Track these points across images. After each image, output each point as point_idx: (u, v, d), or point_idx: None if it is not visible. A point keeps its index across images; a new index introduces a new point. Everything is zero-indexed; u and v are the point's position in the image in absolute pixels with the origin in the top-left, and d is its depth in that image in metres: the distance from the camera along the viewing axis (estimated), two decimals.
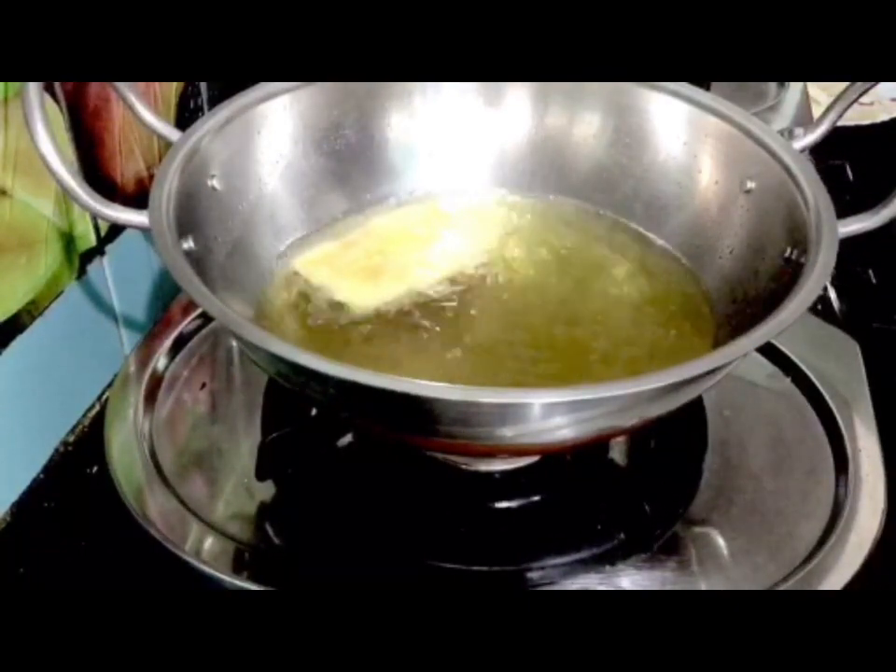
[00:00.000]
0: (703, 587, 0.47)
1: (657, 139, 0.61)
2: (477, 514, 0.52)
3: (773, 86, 0.87)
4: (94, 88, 0.56)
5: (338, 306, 0.55)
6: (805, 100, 0.87)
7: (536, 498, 0.52)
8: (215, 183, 0.53)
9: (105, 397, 0.60)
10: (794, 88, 0.87)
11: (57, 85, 0.52)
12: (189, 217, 0.49)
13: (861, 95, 0.55)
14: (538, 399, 0.40)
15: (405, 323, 0.54)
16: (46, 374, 0.55)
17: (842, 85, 0.56)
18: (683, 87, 0.59)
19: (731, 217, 0.57)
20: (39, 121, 0.44)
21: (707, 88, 0.62)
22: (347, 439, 0.54)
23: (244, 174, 0.56)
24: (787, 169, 0.52)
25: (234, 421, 0.57)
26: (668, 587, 0.47)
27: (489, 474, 0.52)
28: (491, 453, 0.49)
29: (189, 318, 0.61)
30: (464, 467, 0.52)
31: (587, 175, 0.63)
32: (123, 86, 0.54)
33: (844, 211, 0.50)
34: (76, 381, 0.59)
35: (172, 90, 0.67)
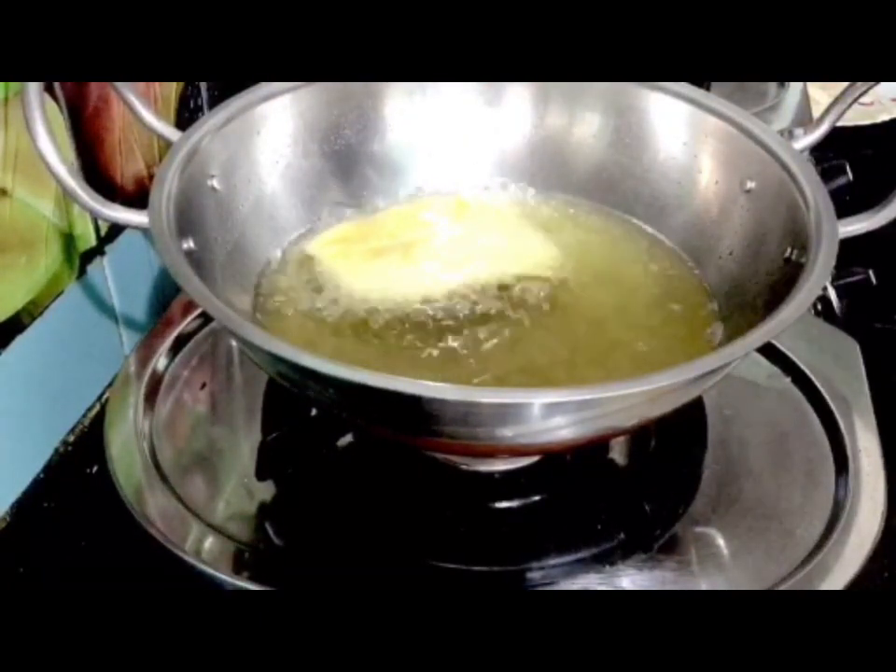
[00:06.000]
0: (703, 587, 0.47)
1: (657, 139, 0.61)
2: (477, 514, 0.52)
3: (773, 86, 0.87)
4: (94, 88, 0.56)
5: (338, 303, 0.55)
6: (805, 100, 0.87)
7: (536, 498, 0.52)
8: (214, 183, 0.53)
9: (105, 397, 0.60)
10: (794, 88, 0.87)
11: (57, 85, 0.52)
12: (189, 217, 0.49)
13: (861, 95, 0.55)
14: (537, 399, 0.39)
15: (411, 319, 0.54)
16: (46, 374, 0.55)
17: (842, 85, 0.56)
18: (683, 87, 0.59)
19: (731, 217, 0.57)
20: (39, 121, 0.44)
21: (707, 88, 0.62)
22: (347, 439, 0.54)
23: (243, 174, 0.56)
24: (787, 169, 0.52)
25: (234, 421, 0.57)
26: (668, 587, 0.47)
27: (489, 474, 0.52)
28: (491, 453, 0.49)
29: (189, 318, 0.61)
30: (464, 467, 0.52)
31: (587, 176, 0.63)
32: (123, 86, 0.54)
33: (844, 211, 0.50)
34: (76, 381, 0.59)
35: (172, 90, 0.67)
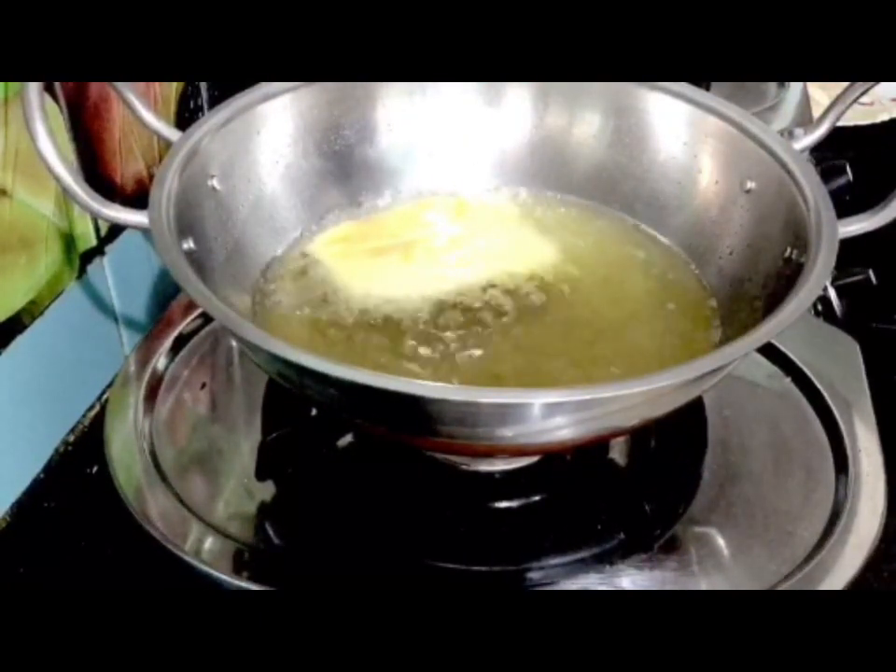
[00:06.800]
0: (703, 587, 0.47)
1: (657, 139, 0.61)
2: (477, 514, 0.52)
3: (773, 86, 0.87)
4: (94, 88, 0.56)
5: (337, 302, 0.55)
6: (805, 100, 0.87)
7: (536, 498, 0.52)
8: (214, 183, 0.53)
9: (105, 397, 0.60)
10: (794, 88, 0.87)
11: (57, 85, 0.52)
12: (189, 217, 0.49)
13: (861, 95, 0.55)
14: (537, 400, 0.39)
15: (411, 318, 0.54)
16: (46, 374, 0.55)
17: (842, 85, 0.56)
18: (683, 87, 0.59)
19: (731, 217, 0.57)
20: (39, 121, 0.44)
21: (707, 88, 0.62)
22: (347, 439, 0.54)
23: (243, 174, 0.56)
24: (787, 169, 0.52)
25: (234, 421, 0.57)
26: (668, 587, 0.47)
27: (489, 474, 0.52)
28: (491, 453, 0.49)
29: (189, 318, 0.61)
30: (464, 467, 0.52)
31: (587, 176, 0.63)
32: (123, 86, 0.54)
33: (844, 211, 0.50)
34: (76, 381, 0.59)
35: (172, 90, 0.67)
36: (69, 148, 0.55)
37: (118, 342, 0.63)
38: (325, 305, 0.55)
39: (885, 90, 0.92)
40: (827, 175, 0.72)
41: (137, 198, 0.62)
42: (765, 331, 0.42)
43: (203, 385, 0.58)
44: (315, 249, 0.59)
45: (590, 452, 0.54)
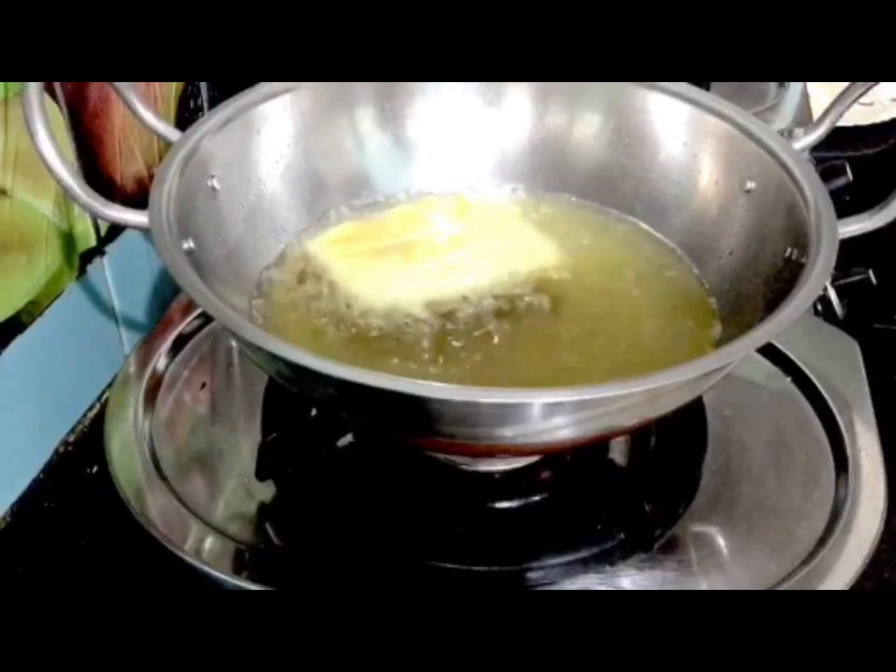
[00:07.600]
0: (703, 587, 0.47)
1: (657, 139, 0.61)
2: (477, 514, 0.52)
3: (773, 86, 0.87)
4: (94, 88, 0.56)
5: (338, 302, 0.55)
6: (805, 100, 0.87)
7: (536, 498, 0.52)
8: (214, 183, 0.53)
9: (105, 397, 0.60)
10: (794, 88, 0.87)
11: (57, 85, 0.52)
12: (189, 217, 0.49)
13: (861, 95, 0.55)
14: (538, 400, 0.39)
15: (412, 318, 0.54)
16: (46, 374, 0.55)
17: (842, 85, 0.56)
18: (683, 87, 0.59)
19: (731, 217, 0.57)
20: (39, 121, 0.44)
21: (707, 88, 0.62)
22: (347, 439, 0.54)
23: (243, 174, 0.56)
24: (787, 169, 0.52)
25: (234, 421, 0.57)
26: (668, 587, 0.47)
27: (489, 474, 0.53)
28: (491, 453, 0.49)
29: (189, 318, 0.61)
30: (464, 467, 0.52)
31: (587, 176, 0.63)
32: (123, 86, 0.54)
33: (844, 211, 0.50)
34: (76, 381, 0.59)
35: (172, 90, 0.67)
36: (69, 148, 0.55)
37: (118, 342, 0.63)
38: (325, 305, 0.55)
39: (885, 90, 0.92)
40: (827, 175, 0.72)
41: (137, 198, 0.62)
42: (765, 331, 0.42)
43: (203, 385, 0.58)
44: (315, 249, 0.59)
45: (590, 452, 0.54)
